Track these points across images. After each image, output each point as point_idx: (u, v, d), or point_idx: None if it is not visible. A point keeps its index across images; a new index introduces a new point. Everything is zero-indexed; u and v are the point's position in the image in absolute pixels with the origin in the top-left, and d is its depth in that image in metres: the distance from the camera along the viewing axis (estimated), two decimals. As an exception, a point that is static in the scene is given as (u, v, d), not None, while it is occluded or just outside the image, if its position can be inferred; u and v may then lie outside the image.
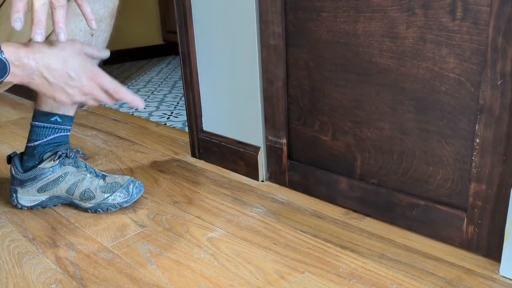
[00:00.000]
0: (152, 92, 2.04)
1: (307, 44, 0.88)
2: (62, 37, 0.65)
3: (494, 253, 0.71)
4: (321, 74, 0.87)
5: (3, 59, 0.64)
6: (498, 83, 0.64)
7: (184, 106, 1.55)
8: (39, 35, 0.63)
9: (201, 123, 1.18)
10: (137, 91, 2.06)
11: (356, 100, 0.83)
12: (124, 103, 1.84)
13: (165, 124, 1.56)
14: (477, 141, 0.69)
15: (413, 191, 0.80)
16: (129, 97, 0.74)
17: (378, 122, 0.81)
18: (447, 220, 0.76)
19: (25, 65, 0.66)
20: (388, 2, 0.73)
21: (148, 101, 1.88)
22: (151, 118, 1.63)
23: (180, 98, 1.92)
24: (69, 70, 0.69)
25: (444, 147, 0.74)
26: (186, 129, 1.45)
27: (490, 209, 0.70)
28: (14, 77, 0.67)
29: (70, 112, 0.95)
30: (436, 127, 0.74)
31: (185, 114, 1.60)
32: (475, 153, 0.69)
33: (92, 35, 0.92)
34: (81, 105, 1.10)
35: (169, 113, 1.70)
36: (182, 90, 1.97)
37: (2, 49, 0.64)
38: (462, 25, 0.66)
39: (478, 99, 0.67)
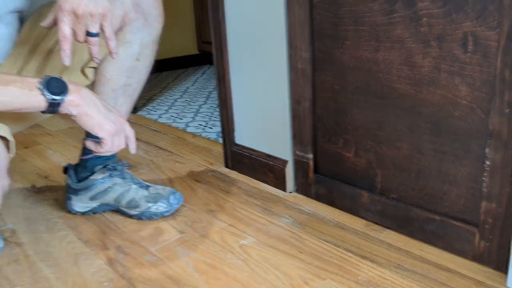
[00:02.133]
0: (188, 103, 2.16)
1: (332, 69, 0.95)
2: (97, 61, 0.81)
3: (503, 267, 0.77)
4: (345, 97, 0.95)
5: (64, 81, 0.74)
6: (506, 111, 0.70)
7: (219, 119, 1.65)
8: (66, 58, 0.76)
9: (234, 137, 1.28)
10: (174, 101, 2.19)
11: (377, 121, 0.90)
12: (163, 114, 1.97)
13: (201, 135, 1.66)
14: (487, 163, 0.75)
15: (429, 206, 0.86)
16: (133, 145, 0.85)
17: (397, 142, 0.88)
18: (460, 235, 0.82)
19: (81, 90, 0.77)
20: (406, 34, 0.80)
21: (185, 112, 2.00)
22: (188, 129, 1.74)
23: (214, 109, 2.02)
24: (107, 105, 0.79)
25: (458, 168, 0.80)
26: (220, 140, 1.55)
27: (499, 225, 0.75)
28: (70, 102, 0.76)
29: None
30: (450, 149, 0.80)
31: (219, 126, 1.70)
32: (485, 174, 0.75)
33: (137, 59, 1.03)
34: None
35: (204, 124, 1.81)
36: (217, 102, 2.08)
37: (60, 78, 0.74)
38: (473, 57, 0.73)
39: (488, 125, 0.73)
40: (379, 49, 0.85)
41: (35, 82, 0.71)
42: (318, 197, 1.08)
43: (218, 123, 1.79)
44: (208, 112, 1.98)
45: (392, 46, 0.83)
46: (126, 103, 1.06)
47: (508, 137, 0.71)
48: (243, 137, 1.25)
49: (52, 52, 0.95)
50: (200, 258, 0.89)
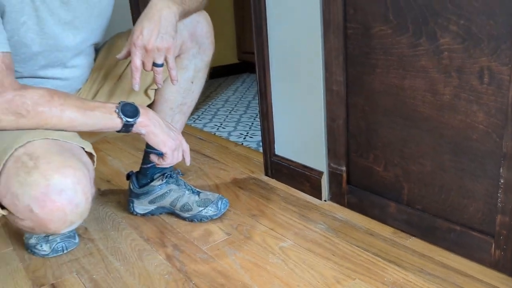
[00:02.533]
0: (230, 112, 2.31)
1: (364, 92, 1.07)
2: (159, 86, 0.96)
3: (515, 274, 0.86)
4: (375, 117, 1.06)
5: (136, 106, 0.90)
6: (517, 136, 0.79)
7: (259, 129, 1.79)
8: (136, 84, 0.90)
9: (274, 148, 1.41)
10: (217, 111, 2.34)
11: (404, 140, 1.01)
12: (207, 123, 2.13)
13: (242, 144, 1.81)
14: (502, 181, 0.84)
15: (451, 218, 0.96)
16: (188, 158, 0.99)
17: (422, 159, 0.98)
18: (478, 244, 0.91)
19: (149, 113, 0.92)
20: (429, 65, 0.91)
21: (227, 121, 2.15)
22: (230, 138, 1.89)
23: (254, 119, 2.16)
24: (168, 124, 0.94)
25: (475, 184, 0.90)
26: (260, 149, 1.69)
27: (512, 237, 0.85)
28: (141, 123, 0.92)
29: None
30: (468, 167, 0.90)
31: (259, 135, 1.84)
32: (500, 191, 0.85)
33: (192, 82, 1.18)
34: None
35: (245, 133, 1.95)
36: (256, 110, 2.22)
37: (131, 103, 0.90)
38: (489, 88, 0.83)
39: (502, 147, 0.83)
40: (406, 77, 0.96)
41: (113, 107, 0.87)
42: (350, 206, 1.19)
43: (258, 133, 1.93)
44: (248, 122, 2.12)
45: (417, 75, 0.94)
46: (181, 120, 1.21)
47: (520, 159, 0.80)
48: (282, 148, 1.38)
49: (121, 77, 1.12)
50: (245, 257, 1.02)
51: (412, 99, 0.96)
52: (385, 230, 1.09)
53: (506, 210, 0.85)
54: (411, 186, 1.03)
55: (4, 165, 0.74)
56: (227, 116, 2.23)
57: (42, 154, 0.75)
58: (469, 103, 0.86)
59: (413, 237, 1.05)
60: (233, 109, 2.38)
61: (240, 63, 3.40)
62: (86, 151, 0.89)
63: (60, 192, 0.72)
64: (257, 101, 2.51)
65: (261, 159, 1.56)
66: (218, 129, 2.04)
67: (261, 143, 1.70)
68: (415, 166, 1.01)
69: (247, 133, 1.95)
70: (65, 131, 0.84)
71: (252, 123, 2.09)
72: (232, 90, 2.86)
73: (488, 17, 0.79)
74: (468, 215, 0.93)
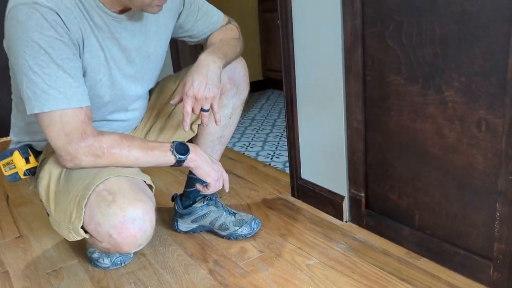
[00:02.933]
0: (257, 131, 2.48)
1: (380, 130, 1.22)
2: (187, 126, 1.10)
3: (510, 294, 1.00)
4: (390, 152, 1.22)
5: (187, 144, 1.08)
6: (510, 177, 0.94)
7: (285, 147, 1.95)
8: (187, 126, 1.07)
9: (300, 173, 1.57)
10: (245, 129, 2.52)
11: (415, 173, 1.16)
12: (236, 142, 2.31)
13: (270, 164, 1.98)
14: (498, 214, 0.99)
15: (456, 242, 1.11)
16: (227, 185, 1.15)
17: (431, 191, 1.13)
18: (479, 266, 1.06)
19: (196, 149, 1.10)
20: (436, 112, 1.06)
21: (255, 140, 2.32)
22: (259, 158, 2.06)
23: (280, 138, 2.33)
24: (212, 158, 1.11)
25: (476, 215, 1.04)
26: (286, 169, 1.86)
27: (508, 261, 0.99)
28: (190, 159, 1.09)
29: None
30: (470, 201, 1.05)
31: (285, 156, 2.01)
32: (496, 222, 0.99)
33: (229, 118, 1.35)
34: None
35: (272, 153, 2.12)
36: (281, 129, 2.38)
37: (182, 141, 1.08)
38: (486, 136, 0.97)
39: (497, 186, 0.97)
40: (417, 120, 1.11)
41: (168, 146, 1.05)
42: (369, 227, 1.34)
43: (284, 153, 2.09)
44: (274, 141, 2.29)
45: (426, 120, 1.09)
46: (220, 150, 1.39)
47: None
48: (308, 173, 1.55)
49: (170, 115, 1.30)
50: (276, 273, 1.19)
51: (422, 139, 1.12)
52: (399, 251, 1.24)
53: (502, 238, 0.99)
54: (422, 213, 1.18)
55: (88, 198, 0.93)
56: (254, 135, 2.41)
57: (117, 190, 0.93)
58: (470, 147, 1.01)
59: (424, 258, 1.19)
60: (259, 127, 2.56)
61: (265, 80, 3.58)
62: (147, 184, 1.07)
63: (133, 222, 0.90)
64: (281, 119, 2.68)
65: (287, 179, 1.73)
66: (246, 148, 2.22)
67: (287, 164, 1.87)
68: (425, 197, 1.16)
69: (274, 153, 2.12)
70: (131, 167, 1.03)
71: (278, 143, 2.26)
72: (258, 107, 3.04)
73: (484, 78, 0.95)
74: (471, 241, 1.07)
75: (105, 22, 1.00)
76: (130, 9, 1.02)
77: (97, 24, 0.99)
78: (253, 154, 2.12)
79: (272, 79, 3.50)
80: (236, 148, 2.21)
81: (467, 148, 1.02)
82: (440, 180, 1.11)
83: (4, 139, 2.70)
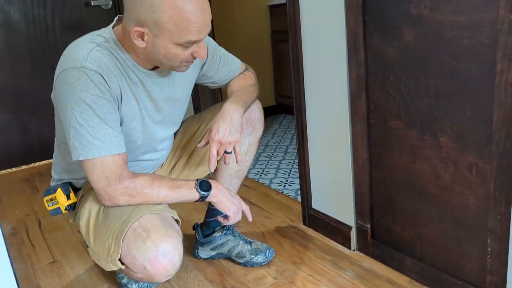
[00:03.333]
0: (270, 158, 2.61)
1: (384, 168, 1.35)
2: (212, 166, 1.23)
3: (501, 322, 1.10)
4: (393, 188, 1.33)
5: (209, 182, 1.21)
6: (498, 217, 1.05)
7: (297, 175, 2.07)
8: (212, 167, 1.20)
9: (311, 203, 1.69)
10: (259, 156, 2.66)
11: (416, 208, 1.28)
12: (251, 169, 2.44)
13: (282, 192, 2.10)
14: (489, 249, 1.09)
15: (453, 273, 1.21)
16: (249, 215, 1.27)
17: (430, 226, 1.25)
18: (474, 296, 1.16)
19: (218, 186, 1.24)
20: (433, 155, 1.18)
21: (268, 167, 2.45)
22: (272, 186, 2.19)
23: (292, 166, 2.46)
24: (231, 192, 1.25)
25: (471, 250, 1.15)
26: (298, 198, 1.98)
27: (499, 293, 1.10)
28: (212, 194, 1.23)
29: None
30: (465, 236, 1.16)
31: (297, 184, 2.13)
32: (488, 257, 1.10)
33: (246, 154, 1.49)
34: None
35: (284, 181, 2.25)
36: (293, 156, 2.51)
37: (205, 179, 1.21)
38: (476, 179, 1.09)
39: (488, 224, 1.08)
40: (416, 161, 1.23)
41: (193, 184, 1.18)
42: (374, 256, 1.45)
43: (296, 181, 2.22)
44: (287, 168, 2.42)
45: (424, 161, 1.21)
46: (237, 183, 1.53)
47: (501, 234, 1.06)
48: (318, 203, 1.67)
49: (193, 152, 1.44)
50: (289, 299, 1.31)
51: (421, 178, 1.24)
52: (402, 279, 1.35)
53: (493, 271, 1.10)
54: (423, 245, 1.29)
55: (125, 234, 1.07)
56: (267, 162, 2.54)
57: (151, 227, 1.07)
58: (463, 187, 1.13)
59: (425, 286, 1.30)
60: (272, 154, 2.69)
61: (277, 105, 3.72)
62: (174, 218, 1.21)
63: (165, 256, 1.04)
64: (293, 146, 2.81)
65: (299, 208, 1.85)
66: (260, 175, 2.34)
67: (298, 192, 1.99)
68: (425, 230, 1.27)
69: (287, 180, 2.25)
70: (160, 204, 1.17)
71: (290, 170, 2.39)
72: (271, 133, 3.17)
73: (473, 128, 1.07)
74: (466, 273, 1.18)
75: (139, 78, 1.15)
76: None
77: (132, 80, 1.14)
78: (266, 182, 2.25)
79: (284, 104, 3.64)
80: (251, 175, 2.34)
81: (461, 188, 1.14)
82: (438, 216, 1.22)
83: (32, 164, 2.88)
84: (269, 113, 3.66)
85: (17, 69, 2.73)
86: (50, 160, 2.92)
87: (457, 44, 1.05)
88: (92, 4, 2.82)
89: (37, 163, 2.89)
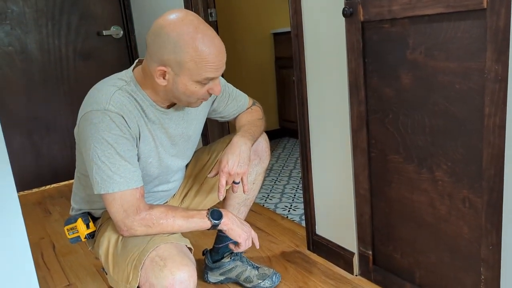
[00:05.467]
0: (274, 182, 2.70)
1: (384, 198, 1.43)
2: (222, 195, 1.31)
3: None
4: (393, 217, 1.41)
5: (220, 211, 1.29)
6: (490, 247, 1.13)
7: (301, 200, 2.15)
8: (221, 196, 1.29)
9: (315, 229, 1.77)
10: (264, 181, 2.74)
11: (414, 237, 1.36)
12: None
13: (287, 217, 2.18)
14: (482, 277, 1.17)
15: (450, 299, 1.29)
16: (257, 243, 1.35)
17: (428, 254, 1.32)
18: (470, 321, 1.23)
19: (228, 214, 1.32)
20: (429, 188, 1.27)
21: (273, 192, 2.53)
22: (277, 210, 2.27)
23: (296, 190, 2.54)
24: (241, 220, 1.33)
25: (466, 277, 1.23)
26: (302, 223, 2.05)
27: (493, 319, 1.17)
28: (223, 223, 1.31)
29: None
30: (461, 264, 1.23)
31: (301, 208, 2.20)
32: (482, 284, 1.18)
33: (253, 183, 1.57)
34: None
35: (289, 205, 2.32)
36: (297, 180, 2.59)
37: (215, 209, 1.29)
38: (469, 211, 1.17)
39: (480, 254, 1.16)
40: (414, 193, 1.32)
41: (205, 213, 1.27)
42: (376, 282, 1.53)
43: (300, 205, 2.29)
44: (291, 193, 2.50)
45: (421, 193, 1.29)
46: (245, 211, 1.61)
47: (493, 263, 1.13)
48: (322, 229, 1.74)
49: (203, 182, 1.53)
50: (295, 323, 1.38)
51: (419, 209, 1.32)
52: (402, 304, 1.41)
53: (487, 298, 1.17)
54: (421, 272, 1.36)
55: (143, 263, 1.15)
56: (272, 187, 2.62)
57: (167, 256, 1.15)
58: (458, 219, 1.21)
59: (424, 311, 1.37)
60: (277, 178, 2.77)
61: (281, 128, 3.82)
62: (187, 247, 1.29)
63: (181, 284, 1.11)
64: (297, 170, 2.90)
65: (303, 233, 1.92)
66: (266, 200, 2.42)
67: (303, 217, 2.07)
68: (423, 258, 1.34)
69: (291, 205, 2.33)
70: (175, 233, 1.25)
71: (295, 195, 2.47)
72: (275, 157, 3.26)
73: (465, 165, 1.16)
74: (462, 299, 1.25)
75: (156, 116, 1.24)
76: (176, 103, 1.27)
77: (150, 119, 1.23)
78: (271, 206, 2.33)
79: (288, 128, 3.74)
80: (257, 200, 2.42)
81: (456, 219, 1.22)
82: (435, 245, 1.30)
83: (43, 187, 2.97)
84: (273, 136, 3.75)
85: (31, 95, 2.84)
86: (61, 183, 3.02)
87: (450, 88, 1.14)
88: (104, 34, 2.95)
89: (47, 186, 2.98)
